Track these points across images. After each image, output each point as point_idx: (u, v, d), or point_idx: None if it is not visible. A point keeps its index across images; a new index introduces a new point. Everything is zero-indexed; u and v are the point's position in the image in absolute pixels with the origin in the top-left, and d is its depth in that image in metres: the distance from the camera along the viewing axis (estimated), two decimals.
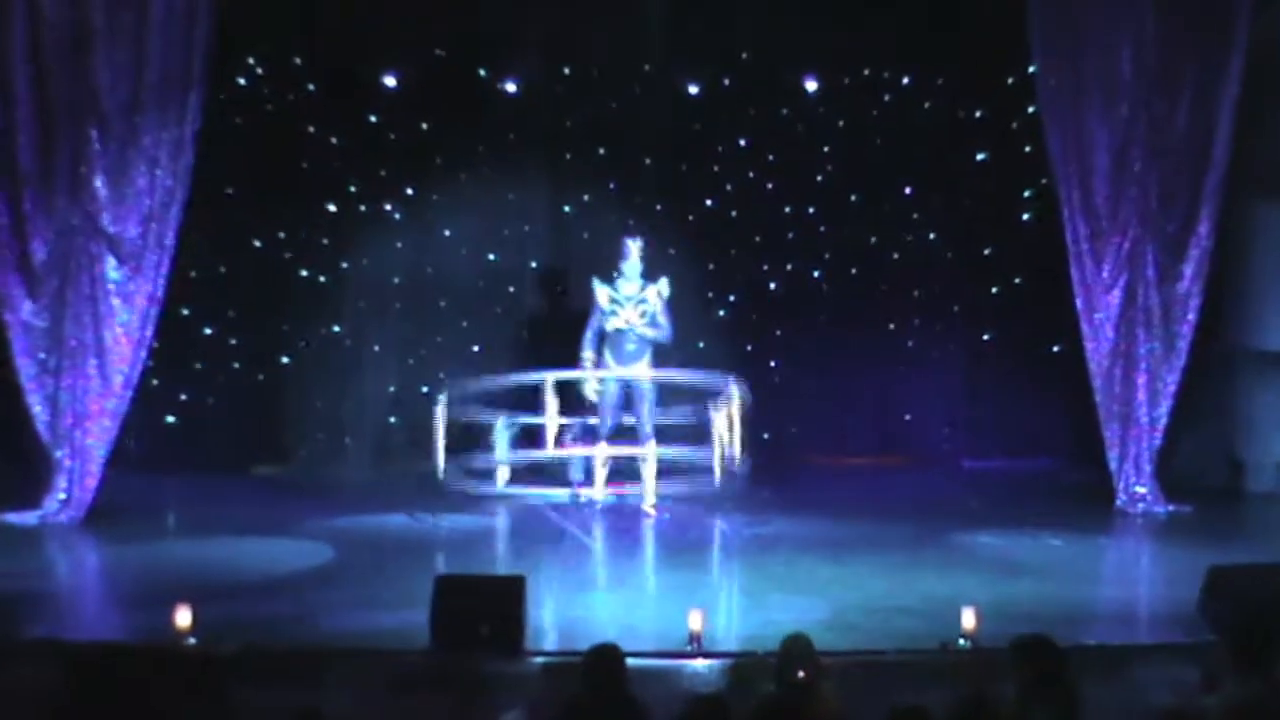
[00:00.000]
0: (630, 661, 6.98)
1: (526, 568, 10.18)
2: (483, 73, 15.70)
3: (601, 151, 16.04)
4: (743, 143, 16.16)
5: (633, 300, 13.67)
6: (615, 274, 13.75)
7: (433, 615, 8.97)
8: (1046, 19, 13.53)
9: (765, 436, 14.99)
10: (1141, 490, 13.78)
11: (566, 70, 15.74)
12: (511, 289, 16.06)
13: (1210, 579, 9.60)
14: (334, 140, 15.63)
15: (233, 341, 15.77)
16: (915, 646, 9.04)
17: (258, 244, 15.65)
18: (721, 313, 16.29)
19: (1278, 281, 14.56)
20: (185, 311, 14.97)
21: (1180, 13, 13.44)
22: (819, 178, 16.23)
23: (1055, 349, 15.29)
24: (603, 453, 13.85)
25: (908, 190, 16.17)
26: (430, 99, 15.59)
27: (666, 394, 14.04)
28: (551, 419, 13.89)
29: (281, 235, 15.74)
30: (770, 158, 16.17)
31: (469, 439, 14.07)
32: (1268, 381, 14.75)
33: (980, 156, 15.94)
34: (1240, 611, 8.62)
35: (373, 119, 15.71)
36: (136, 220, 13.01)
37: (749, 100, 15.90)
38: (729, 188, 16.20)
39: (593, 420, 13.94)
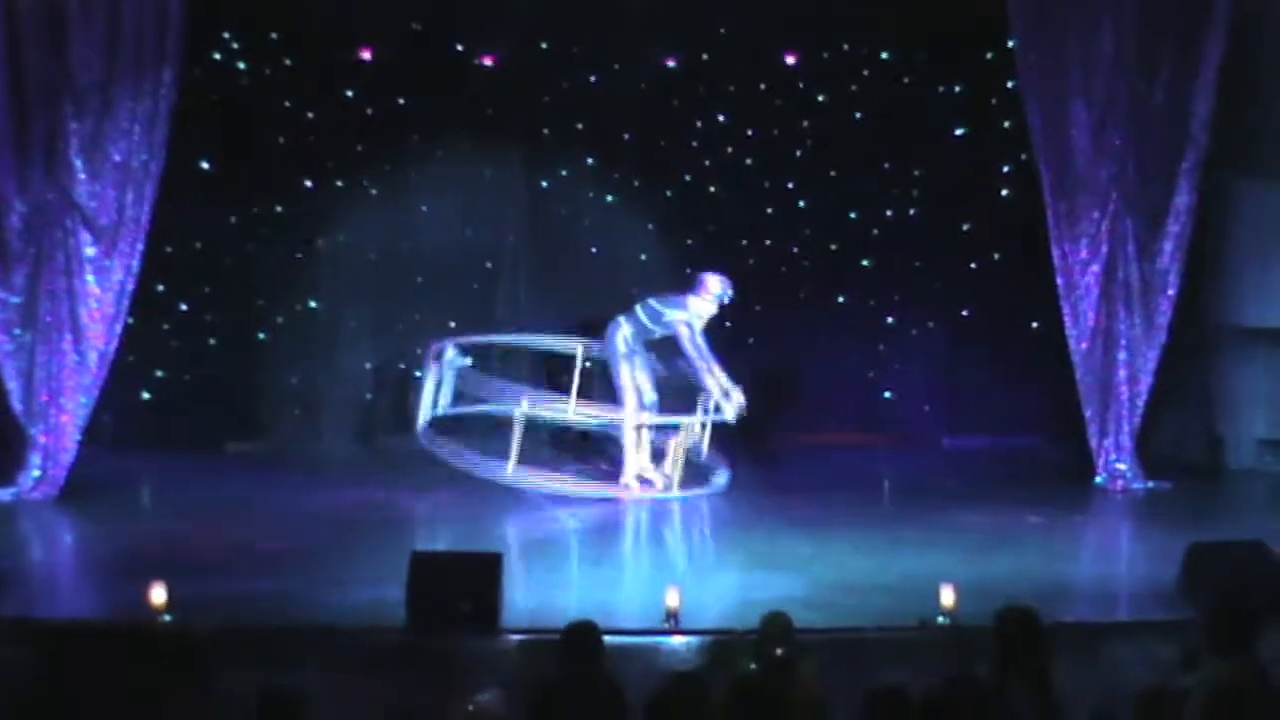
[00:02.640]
0: (607, 639, 6.96)
1: (503, 545, 10.15)
2: (460, 47, 15.60)
3: (579, 127, 15.95)
4: (721, 118, 16.09)
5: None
6: (698, 294, 13.51)
7: (408, 593, 8.93)
8: None
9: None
10: (1121, 467, 13.78)
11: (544, 45, 15.65)
12: (489, 265, 15.98)
13: (1190, 556, 9.61)
14: (310, 116, 15.53)
15: (208, 318, 15.69)
16: (894, 624, 9.03)
17: (233, 220, 15.56)
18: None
19: (1257, 258, 14.53)
20: (161, 288, 14.90)
21: None
22: (798, 153, 16.17)
23: (1035, 325, 15.26)
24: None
25: (887, 166, 16.11)
26: (407, 74, 15.50)
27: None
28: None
29: (257, 211, 15.64)
30: (749, 133, 16.11)
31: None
32: (1248, 358, 14.76)
33: (959, 132, 15.90)
34: (1220, 589, 8.62)
35: (349, 94, 15.61)
36: (112, 196, 12.97)
37: (728, 75, 15.82)
38: (707, 163, 16.12)
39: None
